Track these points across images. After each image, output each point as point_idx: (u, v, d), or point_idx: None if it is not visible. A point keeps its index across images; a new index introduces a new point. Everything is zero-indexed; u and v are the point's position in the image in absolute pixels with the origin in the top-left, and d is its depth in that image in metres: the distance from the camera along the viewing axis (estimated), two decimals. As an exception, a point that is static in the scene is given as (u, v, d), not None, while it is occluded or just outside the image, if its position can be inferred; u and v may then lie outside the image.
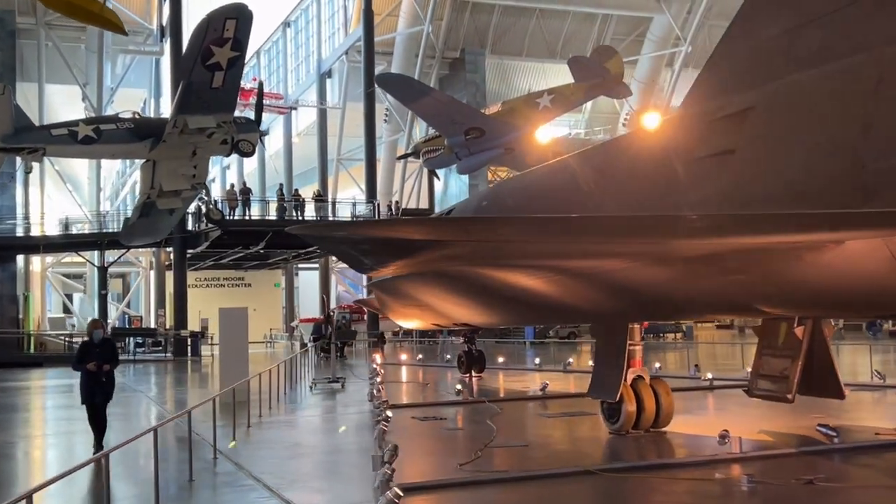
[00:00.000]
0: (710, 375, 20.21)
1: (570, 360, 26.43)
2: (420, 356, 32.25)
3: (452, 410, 16.95)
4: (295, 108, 66.01)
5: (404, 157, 49.87)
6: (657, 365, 21.62)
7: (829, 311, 12.59)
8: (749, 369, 15.78)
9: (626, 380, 13.05)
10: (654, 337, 48.13)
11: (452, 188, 55.80)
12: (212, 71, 26.37)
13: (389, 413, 13.83)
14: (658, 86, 60.69)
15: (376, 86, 50.78)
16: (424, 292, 15.49)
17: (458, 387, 18.63)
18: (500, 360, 27.29)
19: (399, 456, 10.10)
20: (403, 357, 33.00)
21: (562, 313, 13.21)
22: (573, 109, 43.21)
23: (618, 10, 58.66)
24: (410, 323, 20.57)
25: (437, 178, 47.95)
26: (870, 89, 6.25)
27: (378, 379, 21.15)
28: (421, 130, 53.97)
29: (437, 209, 52.37)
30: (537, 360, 27.56)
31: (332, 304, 60.68)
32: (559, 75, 56.72)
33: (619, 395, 12.97)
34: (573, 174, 11.03)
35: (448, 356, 30.44)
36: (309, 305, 63.04)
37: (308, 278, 68.81)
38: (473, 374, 25.05)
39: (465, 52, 56.58)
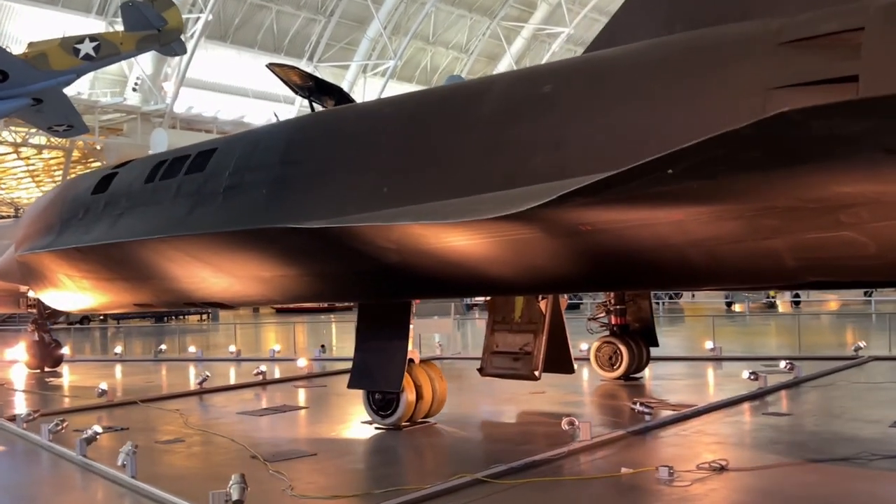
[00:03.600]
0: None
1: (163, 346, 22.83)
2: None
3: (116, 416, 13.11)
4: None
5: None
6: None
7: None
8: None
9: (401, 365, 11.16)
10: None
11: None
12: None
13: (99, 428, 9.93)
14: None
15: None
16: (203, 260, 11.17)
17: (102, 387, 14.43)
18: (65, 350, 22.31)
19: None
20: None
21: (373, 288, 10.46)
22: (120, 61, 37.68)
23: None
24: (82, 300, 14.92)
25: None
26: None
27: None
28: None
29: None
30: (118, 350, 23.24)
31: None
32: (62, 24, 49.77)
33: (402, 385, 11.01)
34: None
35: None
36: None
37: None
38: (46, 368, 20.31)
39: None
